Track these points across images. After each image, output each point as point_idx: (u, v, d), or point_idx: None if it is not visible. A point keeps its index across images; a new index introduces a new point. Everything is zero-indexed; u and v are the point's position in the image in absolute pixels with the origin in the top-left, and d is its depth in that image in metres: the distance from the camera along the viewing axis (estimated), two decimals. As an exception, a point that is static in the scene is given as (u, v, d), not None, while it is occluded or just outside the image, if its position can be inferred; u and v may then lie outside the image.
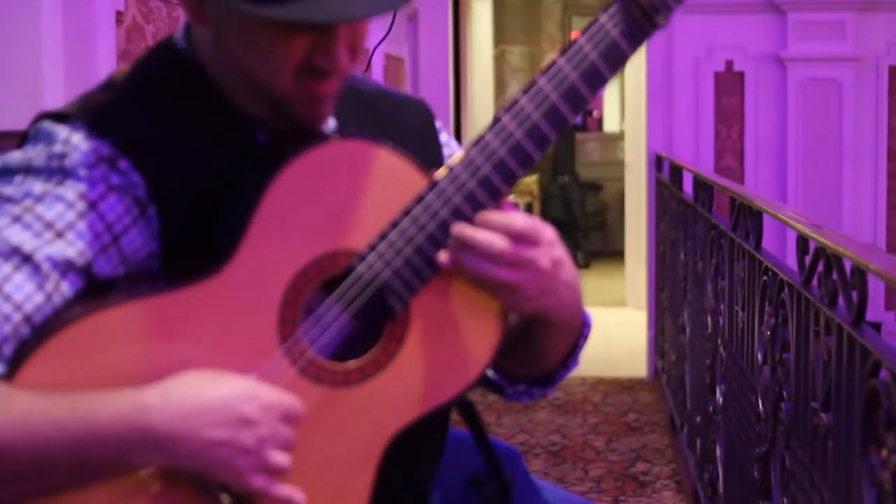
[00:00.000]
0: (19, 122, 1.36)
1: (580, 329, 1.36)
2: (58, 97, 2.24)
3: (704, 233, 3.53)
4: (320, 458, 1.19)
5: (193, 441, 1.11)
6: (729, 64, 5.74)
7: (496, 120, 1.22)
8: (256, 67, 1.20)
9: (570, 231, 9.74)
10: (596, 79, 1.21)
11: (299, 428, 1.17)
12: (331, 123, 1.34)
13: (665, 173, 5.12)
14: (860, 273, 1.63)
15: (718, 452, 3.17)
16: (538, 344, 1.33)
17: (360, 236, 1.21)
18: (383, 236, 1.20)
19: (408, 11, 5.61)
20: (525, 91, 1.22)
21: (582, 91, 1.21)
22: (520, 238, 1.20)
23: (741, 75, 5.74)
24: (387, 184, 1.22)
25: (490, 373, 1.39)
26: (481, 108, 8.51)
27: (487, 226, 1.20)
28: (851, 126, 5.67)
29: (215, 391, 1.13)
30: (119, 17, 2.55)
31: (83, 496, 1.12)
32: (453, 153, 1.44)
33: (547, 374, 1.39)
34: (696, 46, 5.69)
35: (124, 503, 1.14)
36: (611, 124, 11.48)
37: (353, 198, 1.21)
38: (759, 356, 2.42)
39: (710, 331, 3.36)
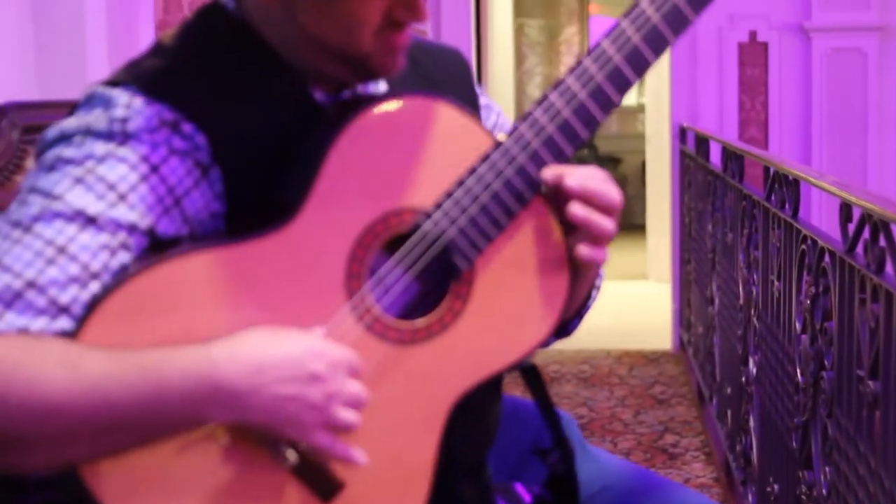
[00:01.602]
0: (67, 93, 1.35)
1: (594, 279, 1.39)
2: (102, 68, 2.23)
3: (735, 203, 3.50)
4: (386, 417, 1.19)
5: (262, 396, 1.11)
6: (752, 34, 5.70)
7: (560, 81, 1.22)
8: (336, 34, 1.20)
9: (589, 204, 9.70)
10: (658, 42, 1.22)
11: (365, 386, 1.16)
12: (381, 86, 1.34)
13: (690, 145, 5.10)
14: (911, 239, 1.61)
15: (752, 423, 3.16)
16: None
17: (425, 194, 1.20)
18: (449, 194, 1.20)
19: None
20: (589, 53, 1.23)
21: (645, 54, 1.22)
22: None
23: (765, 46, 5.70)
24: (450, 141, 1.22)
25: None
26: (502, 81, 8.49)
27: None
28: (876, 96, 5.63)
29: (284, 347, 1.13)
30: (157, -12, 2.54)
31: (149, 452, 1.12)
32: (489, 104, 1.45)
33: (563, 324, 1.40)
34: (720, 16, 5.64)
35: (190, 457, 1.14)
36: (628, 97, 11.42)
37: (417, 155, 1.21)
38: (798, 325, 2.41)
39: (742, 301, 3.34)
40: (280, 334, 1.14)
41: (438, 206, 1.20)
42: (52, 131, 1.19)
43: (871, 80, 5.62)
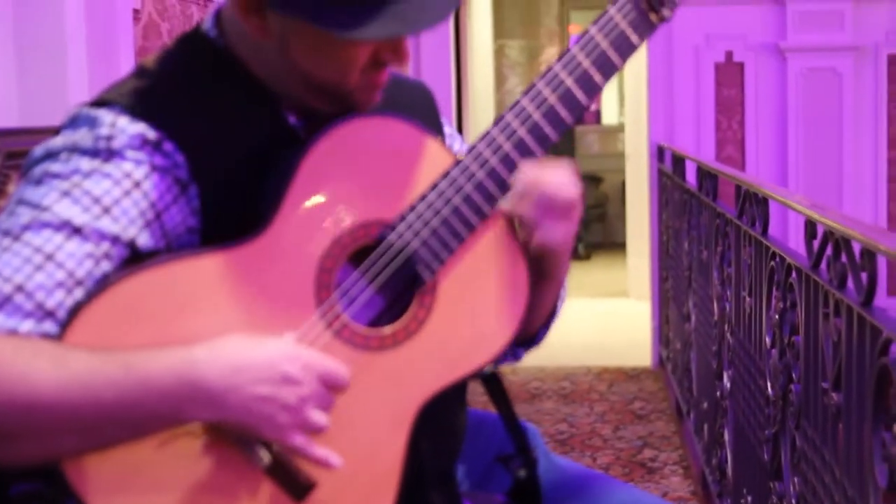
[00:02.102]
0: (49, 119, 1.40)
1: (559, 289, 1.45)
2: (83, 94, 2.28)
3: (709, 221, 3.56)
4: (355, 421, 1.24)
5: (239, 395, 1.16)
6: (729, 54, 5.77)
7: (516, 102, 1.30)
8: (326, 72, 1.27)
9: (571, 223, 9.75)
10: (607, 67, 1.31)
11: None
12: None
13: (667, 164, 5.16)
14: (869, 254, 1.67)
15: (727, 437, 3.21)
16: (533, 302, 1.39)
17: (390, 208, 1.28)
18: (412, 208, 1.28)
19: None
20: (542, 76, 1.31)
21: (595, 78, 1.31)
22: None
23: (741, 66, 5.77)
24: (414, 158, 1.29)
25: None
26: (482, 102, 8.54)
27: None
28: (851, 115, 5.70)
29: (261, 350, 1.19)
30: (136, 14, 2.60)
31: (131, 451, 1.17)
32: (452, 133, 1.52)
33: (531, 334, 1.46)
34: (696, 37, 5.72)
35: (170, 457, 1.18)
36: (609, 117, 11.51)
37: (382, 171, 1.28)
38: (768, 340, 2.46)
39: (716, 317, 3.39)
40: (258, 339, 1.20)
41: (402, 218, 1.27)
42: (39, 150, 1.25)
43: (846, 99, 5.70)
